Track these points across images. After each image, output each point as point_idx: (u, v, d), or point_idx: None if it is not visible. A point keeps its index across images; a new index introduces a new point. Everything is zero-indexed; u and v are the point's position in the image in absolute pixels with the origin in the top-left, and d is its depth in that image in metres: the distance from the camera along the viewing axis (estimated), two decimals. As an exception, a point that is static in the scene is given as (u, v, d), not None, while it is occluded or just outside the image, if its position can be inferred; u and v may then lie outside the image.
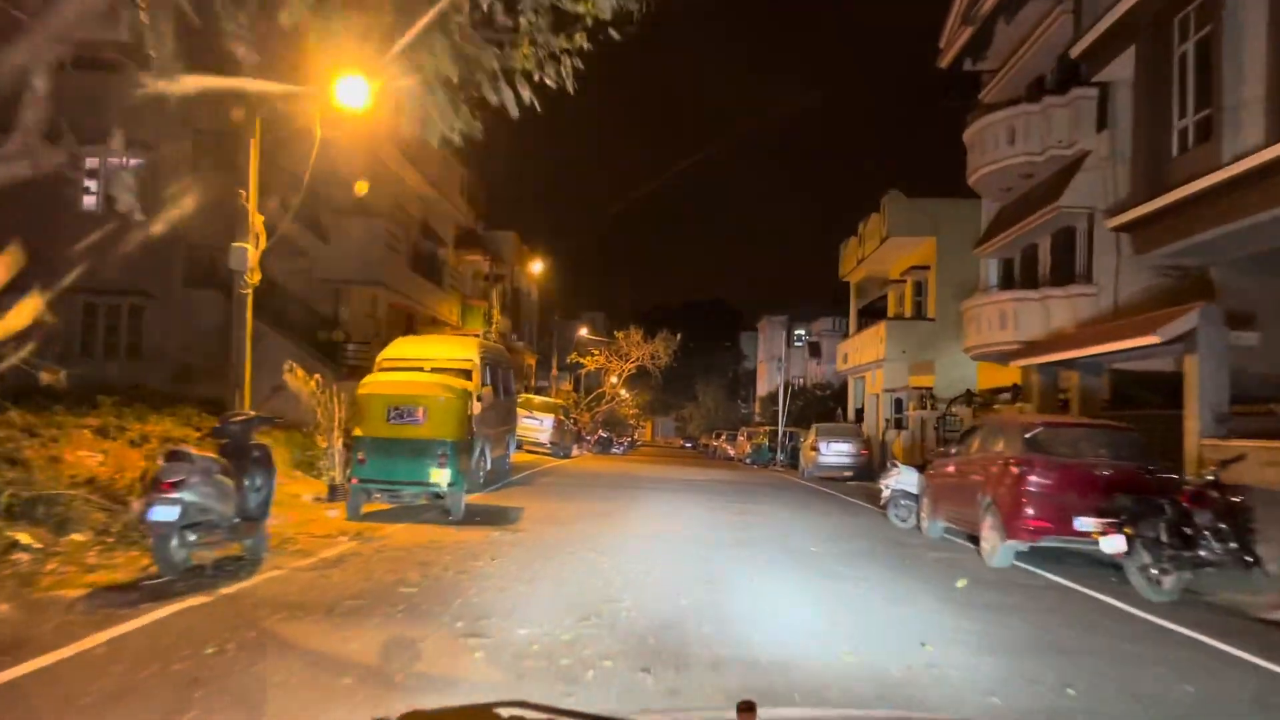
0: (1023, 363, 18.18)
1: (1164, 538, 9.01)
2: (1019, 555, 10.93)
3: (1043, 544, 10.56)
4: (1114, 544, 9.10)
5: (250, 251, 13.36)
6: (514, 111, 9.42)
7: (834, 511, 16.84)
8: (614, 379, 53.35)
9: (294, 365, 14.41)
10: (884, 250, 30.53)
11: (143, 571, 7.81)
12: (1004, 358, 21.13)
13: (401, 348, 17.87)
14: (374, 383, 12.75)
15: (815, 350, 63.06)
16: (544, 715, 1.53)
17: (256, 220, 13.55)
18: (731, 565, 9.75)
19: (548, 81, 9.07)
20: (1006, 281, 23.46)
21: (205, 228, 20.99)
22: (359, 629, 6.19)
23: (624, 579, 8.51)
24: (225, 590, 7.22)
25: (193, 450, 7.78)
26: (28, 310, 8.03)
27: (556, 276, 52.39)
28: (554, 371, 48.74)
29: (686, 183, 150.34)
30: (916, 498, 14.25)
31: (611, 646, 5.97)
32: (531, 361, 48.27)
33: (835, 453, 28.23)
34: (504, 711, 1.51)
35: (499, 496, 16.11)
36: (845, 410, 37.55)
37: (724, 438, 54.80)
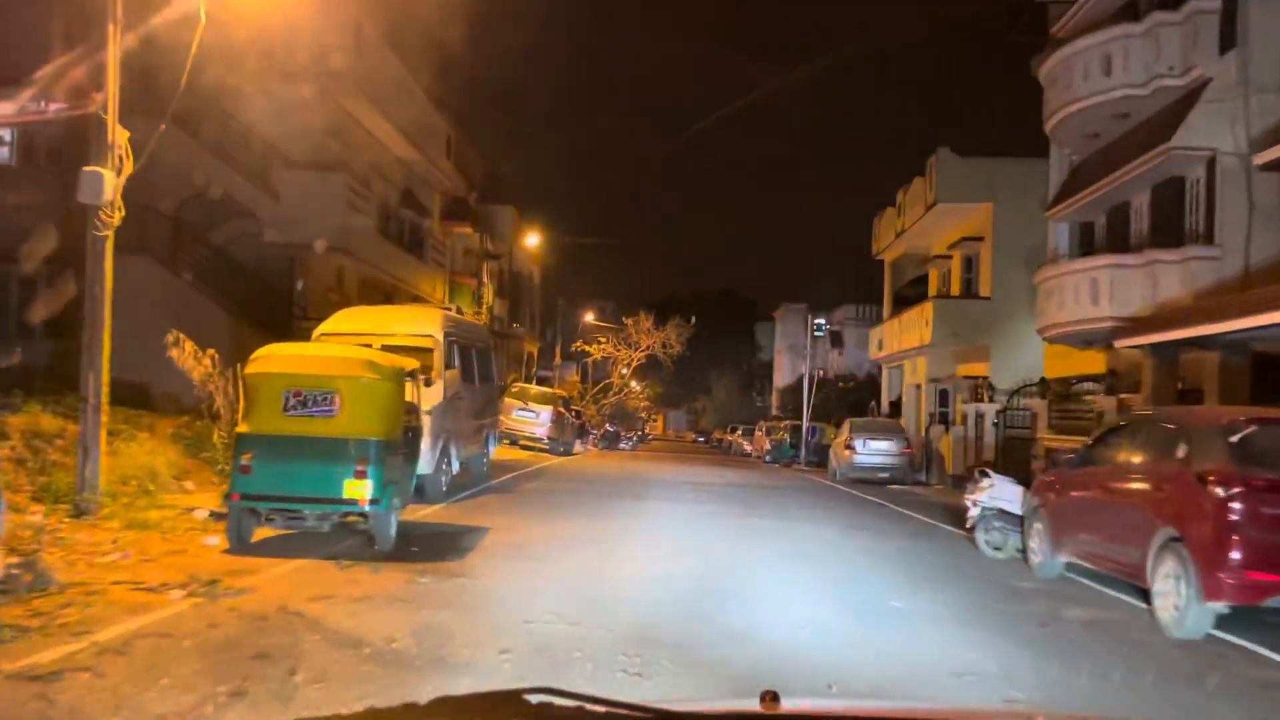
0: (1132, 342, 14.39)
1: None
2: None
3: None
4: None
5: (108, 179, 9.69)
6: None
7: (895, 532, 13.10)
8: (623, 369, 49.66)
9: (180, 336, 10.79)
10: (929, 220, 26.66)
11: None
12: (1094, 338, 17.35)
13: (345, 320, 14.23)
14: (268, 358, 9.05)
15: (837, 340, 59.15)
16: (572, 702, 1.47)
17: (119, 136, 9.89)
18: (786, 648, 6.04)
19: None
20: (1085, 249, 19.62)
21: (137, 184, 17.46)
22: None
23: (606, 692, 4.81)
24: None
25: None
26: None
27: (560, 257, 48.77)
28: (557, 360, 45.05)
29: (695, 169, 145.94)
30: (1019, 520, 10.52)
31: None
32: (533, 349, 44.62)
33: (873, 452, 24.39)
34: (532, 698, 1.47)
35: (463, 510, 12.47)
36: (878, 403, 33.75)
37: (740, 432, 50.99)
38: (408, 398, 10.23)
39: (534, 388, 31.08)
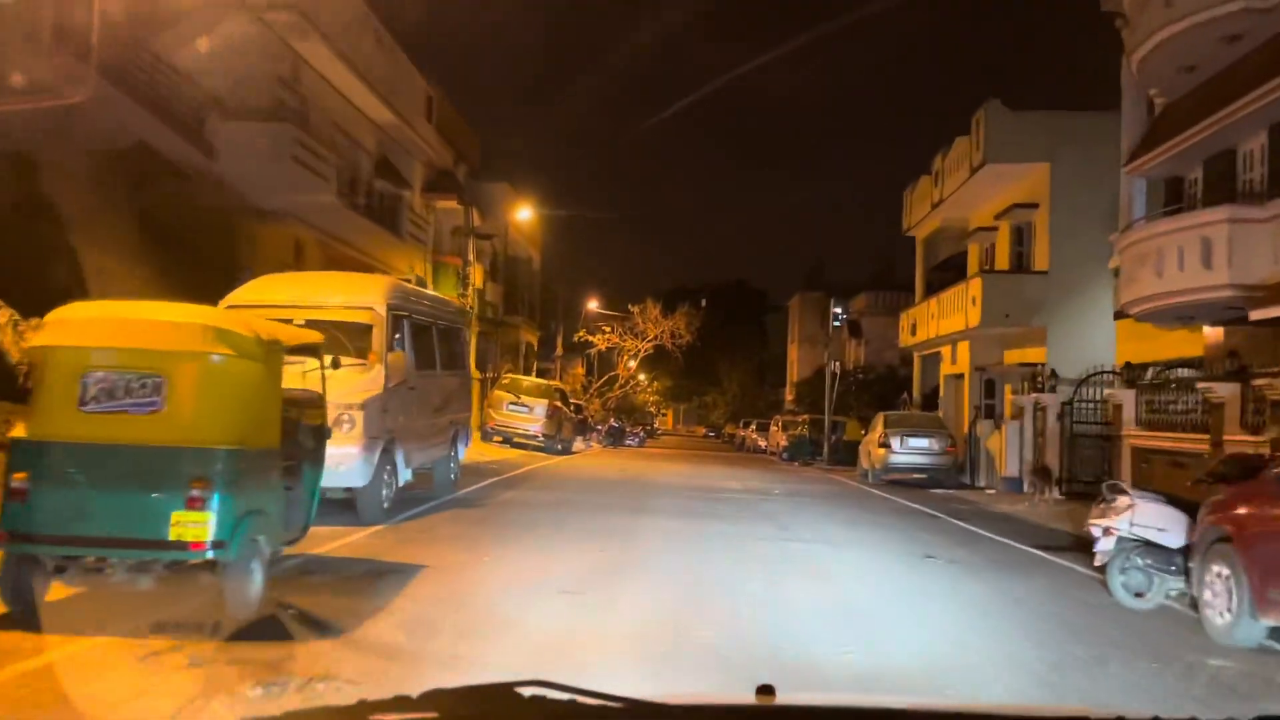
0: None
1: None
2: None
3: None
4: None
5: None
6: None
7: (979, 564, 9.94)
8: (629, 360, 46.57)
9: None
10: (973, 186, 23.37)
11: None
12: (1196, 313, 14.22)
13: (261, 289, 11.18)
14: (60, 323, 5.93)
15: (855, 330, 55.95)
16: (565, 695, 1.44)
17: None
18: None
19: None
20: (1171, 209, 16.41)
21: (49, 139, 14.49)
22: None
23: None
24: None
25: None
26: None
27: (560, 239, 45.70)
28: (558, 351, 41.90)
29: (698, 161, 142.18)
30: (1175, 555, 7.42)
31: None
32: (532, 339, 41.50)
33: (912, 450, 21.31)
34: (525, 690, 1.45)
35: (403, 536, 9.40)
36: (910, 395, 30.56)
37: (753, 427, 47.89)
38: (303, 384, 7.21)
39: (527, 379, 28.09)
